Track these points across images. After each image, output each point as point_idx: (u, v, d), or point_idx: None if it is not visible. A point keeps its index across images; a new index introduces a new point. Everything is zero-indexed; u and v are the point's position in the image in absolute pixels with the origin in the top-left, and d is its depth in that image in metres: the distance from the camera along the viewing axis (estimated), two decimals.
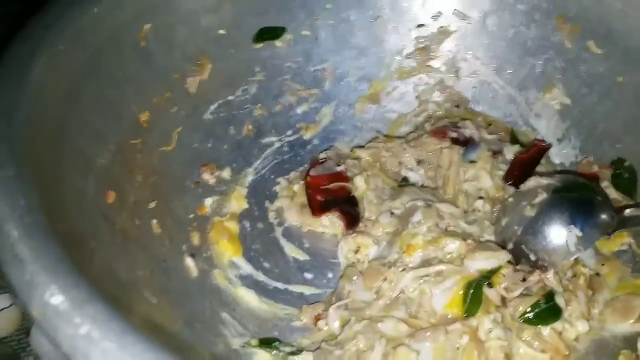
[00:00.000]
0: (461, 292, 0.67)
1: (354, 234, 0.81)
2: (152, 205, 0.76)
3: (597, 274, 0.74)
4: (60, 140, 0.64)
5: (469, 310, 0.66)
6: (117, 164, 0.73)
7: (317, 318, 0.74)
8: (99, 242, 0.62)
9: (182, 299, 0.69)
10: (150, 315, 0.59)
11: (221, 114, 0.94)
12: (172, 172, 0.83)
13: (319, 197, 0.86)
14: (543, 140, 0.91)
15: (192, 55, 0.90)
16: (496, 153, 0.90)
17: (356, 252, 0.80)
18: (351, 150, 0.95)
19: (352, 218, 0.84)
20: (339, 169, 0.90)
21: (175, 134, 0.86)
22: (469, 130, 0.90)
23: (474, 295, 0.66)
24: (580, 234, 0.69)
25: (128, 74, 0.80)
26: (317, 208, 0.85)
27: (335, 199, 0.86)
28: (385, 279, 0.71)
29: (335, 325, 0.71)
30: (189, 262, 0.74)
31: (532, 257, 0.72)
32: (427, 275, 0.69)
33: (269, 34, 0.98)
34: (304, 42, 1.00)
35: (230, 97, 0.96)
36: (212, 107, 0.93)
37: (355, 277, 0.75)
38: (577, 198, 0.71)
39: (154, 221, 0.74)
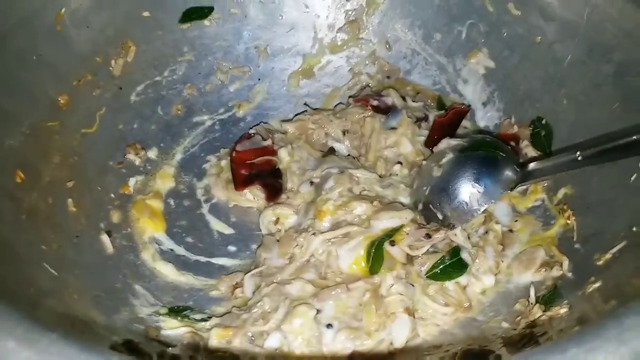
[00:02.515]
0: (362, 251, 0.67)
1: (274, 206, 0.82)
2: (70, 184, 0.77)
3: (511, 230, 0.75)
4: None
5: (372, 268, 0.67)
6: (30, 145, 0.74)
7: (235, 287, 0.74)
8: None
9: (92, 272, 0.70)
10: (50, 286, 0.60)
11: (149, 95, 0.95)
12: (95, 153, 0.84)
13: (243, 172, 0.87)
14: (463, 104, 0.92)
15: (114, 38, 0.91)
16: (421, 120, 0.91)
17: (276, 222, 0.80)
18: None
19: (274, 190, 0.85)
20: (265, 143, 0.91)
21: (98, 116, 0.87)
22: (391, 98, 0.91)
23: (375, 254, 0.67)
24: (482, 189, 0.70)
25: (43, 58, 0.80)
26: (240, 182, 0.86)
27: (259, 172, 0.87)
28: (297, 245, 0.72)
29: (250, 292, 0.72)
30: (105, 239, 0.76)
31: (440, 216, 0.73)
32: (335, 238, 0.70)
33: (196, 13, 0.98)
34: (233, 20, 1.01)
35: (157, 78, 0.97)
36: (139, 89, 0.94)
37: (272, 245, 0.76)
38: (480, 156, 0.72)
39: (70, 200, 0.76)
